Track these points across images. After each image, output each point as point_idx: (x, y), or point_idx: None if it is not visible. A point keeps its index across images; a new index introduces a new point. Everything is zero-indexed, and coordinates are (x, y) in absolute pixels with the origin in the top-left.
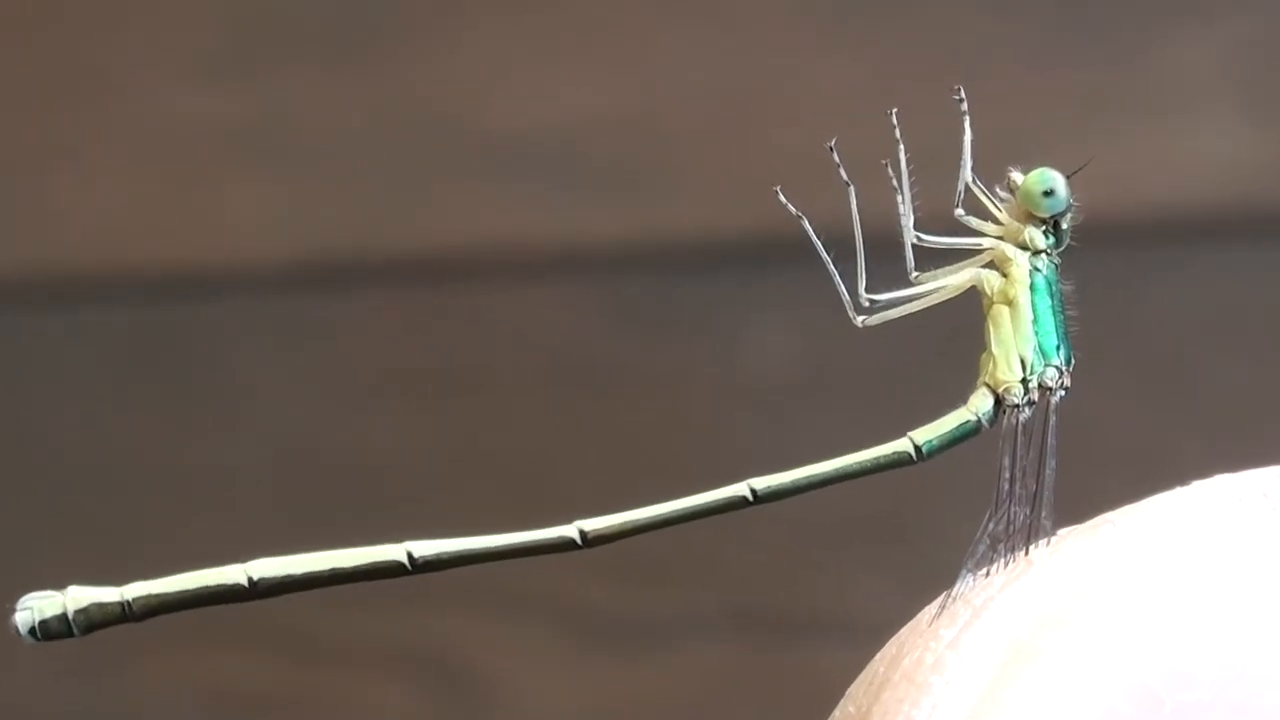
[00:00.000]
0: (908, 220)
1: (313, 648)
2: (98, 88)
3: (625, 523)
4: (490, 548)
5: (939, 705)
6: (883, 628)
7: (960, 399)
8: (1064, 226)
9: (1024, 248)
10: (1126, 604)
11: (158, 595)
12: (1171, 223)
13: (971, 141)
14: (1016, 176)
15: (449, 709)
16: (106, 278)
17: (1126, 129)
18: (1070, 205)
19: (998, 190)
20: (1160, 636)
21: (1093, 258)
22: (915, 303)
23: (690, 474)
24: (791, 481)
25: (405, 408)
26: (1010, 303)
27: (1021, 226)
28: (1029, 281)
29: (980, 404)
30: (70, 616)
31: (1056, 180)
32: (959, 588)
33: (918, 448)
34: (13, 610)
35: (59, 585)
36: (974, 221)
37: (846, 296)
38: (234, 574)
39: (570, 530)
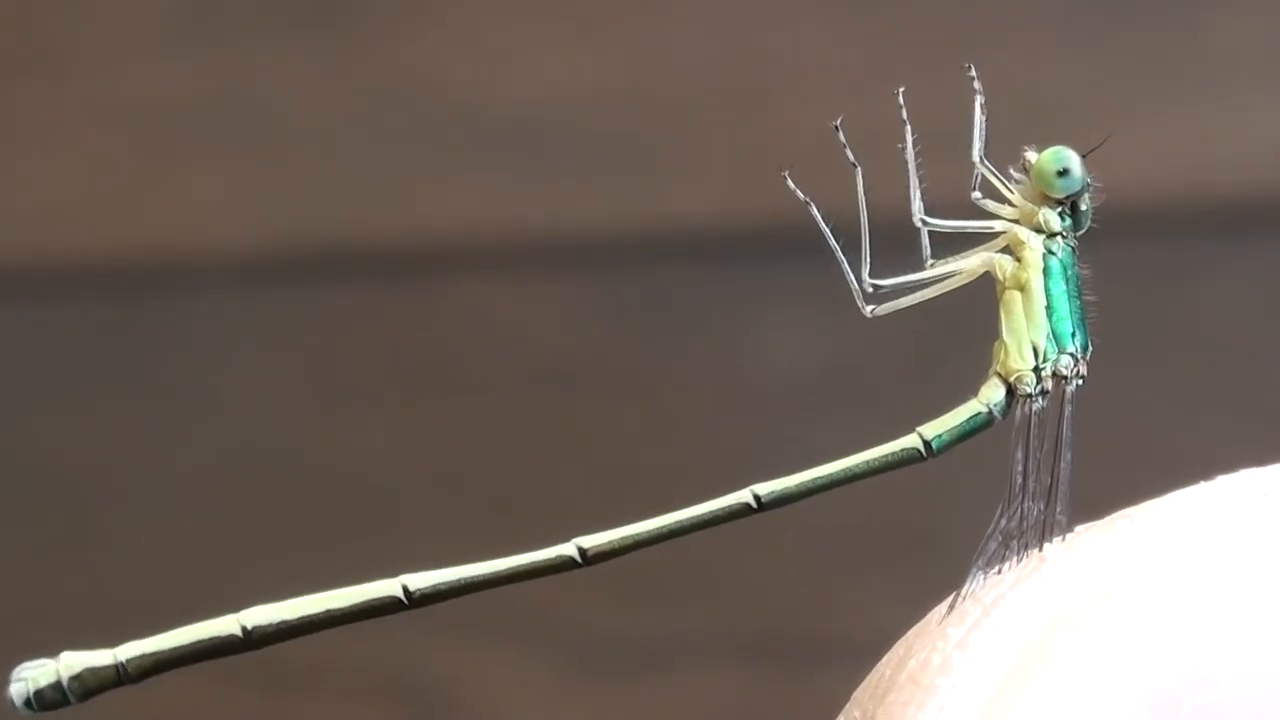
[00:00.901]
0: (916, 203)
1: (283, 673)
2: (47, 61)
3: (626, 537)
4: (488, 574)
5: (946, 708)
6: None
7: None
8: (1083, 208)
9: (1039, 230)
10: (1143, 602)
11: (152, 654)
12: (1212, 210)
13: (984, 121)
14: (1031, 156)
15: None
16: (57, 270)
17: (1165, 108)
18: (1087, 185)
19: (1012, 171)
20: (1177, 636)
21: (1126, 245)
22: (926, 290)
23: (691, 481)
24: (797, 485)
25: (383, 410)
26: (1023, 288)
27: (1036, 208)
28: (1043, 265)
29: (991, 395)
30: (65, 684)
31: (1071, 159)
32: (969, 586)
33: (927, 443)
34: (5, 680)
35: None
36: (990, 205)
37: (855, 285)
38: (228, 625)
39: (569, 549)
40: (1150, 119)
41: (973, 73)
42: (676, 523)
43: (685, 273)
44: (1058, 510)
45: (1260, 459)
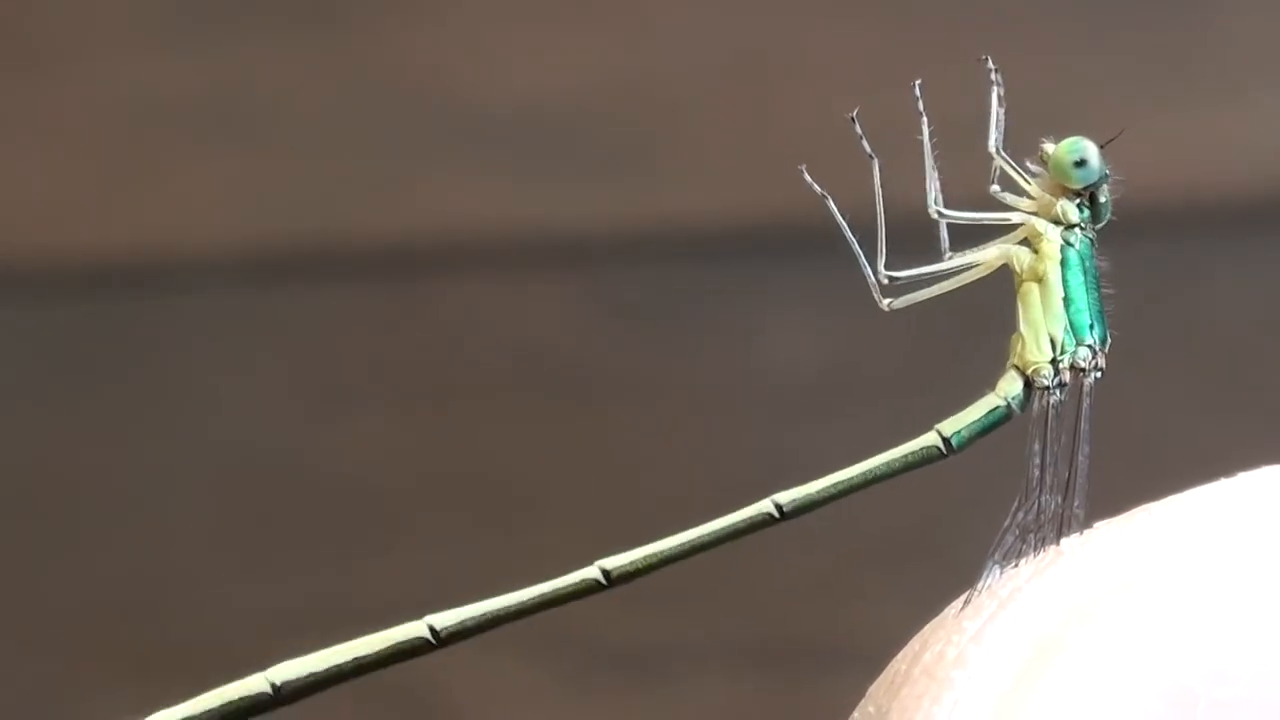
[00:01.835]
0: (932, 194)
1: None
2: (39, 58)
3: (650, 556)
4: (513, 606)
5: (961, 702)
6: None
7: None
8: (1101, 200)
9: (1057, 222)
10: (1161, 596)
11: None
12: (1223, 208)
13: (1001, 114)
14: (1048, 148)
15: None
16: (40, 270)
17: (1174, 108)
18: (1105, 176)
19: (1029, 164)
20: (1195, 631)
21: (1137, 244)
22: (942, 283)
23: (693, 481)
24: (819, 492)
25: (381, 411)
26: (1040, 280)
27: (1054, 200)
28: (1060, 257)
29: (1009, 388)
30: None
31: (1089, 150)
32: (985, 580)
33: (946, 440)
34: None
35: None
36: (1009, 198)
37: (872, 279)
38: (257, 684)
39: (592, 571)
40: (1160, 118)
41: (990, 64)
42: (699, 538)
43: (686, 272)
44: (1075, 504)
45: (1276, 459)
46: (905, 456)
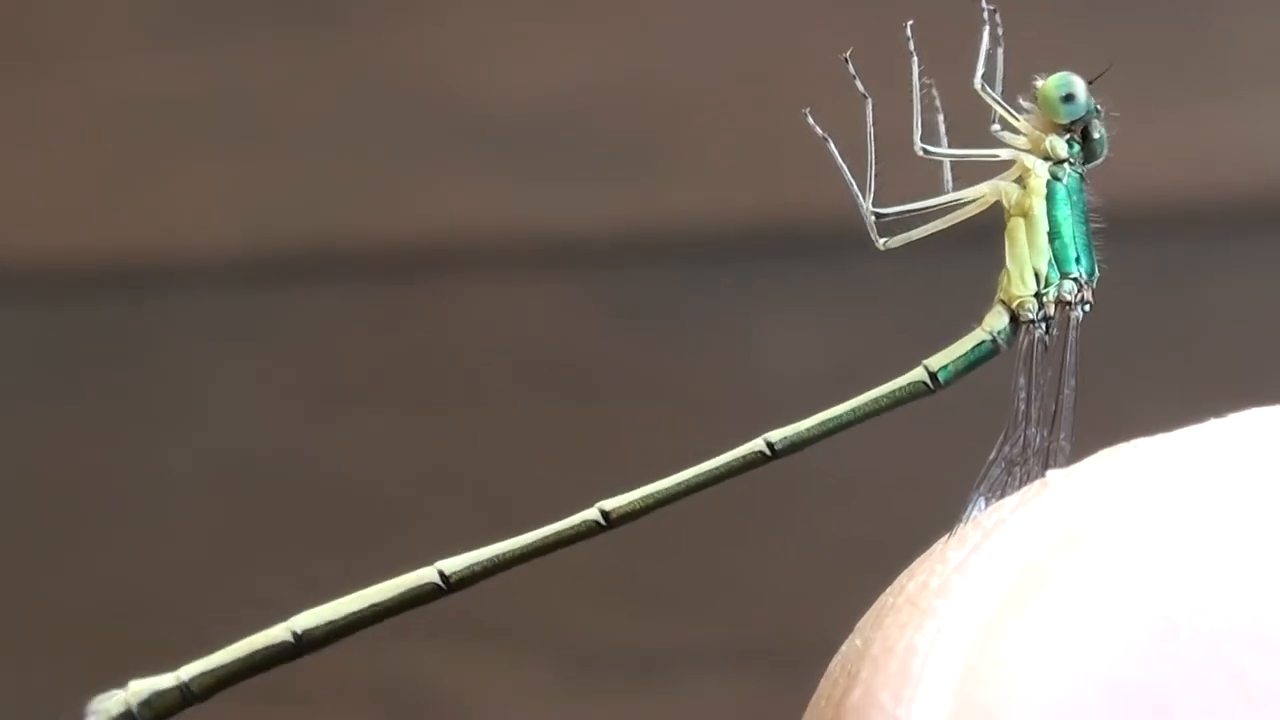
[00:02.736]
0: (917, 132)
1: (276, 682)
2: (35, 58)
3: (646, 496)
4: (518, 548)
5: (943, 629)
6: None
7: (998, 398)
8: (1095, 135)
9: (1047, 158)
10: (1146, 528)
11: (213, 671)
12: (1223, 210)
13: (998, 52)
14: (1039, 84)
15: None
16: (40, 270)
17: (1175, 108)
18: (1093, 110)
19: (1021, 101)
20: (1179, 562)
21: (1136, 245)
22: (935, 221)
23: None
24: (808, 430)
25: (373, 416)
26: (1026, 214)
27: (1044, 136)
28: (1045, 191)
29: (995, 322)
30: (135, 712)
31: (1076, 84)
32: (969, 511)
33: (933, 375)
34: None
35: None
36: (1005, 136)
37: (870, 219)
38: (279, 634)
39: (592, 513)
40: (1160, 118)
41: (985, 4)
42: (694, 477)
43: (687, 273)
44: (1061, 437)
45: None
46: (894, 392)
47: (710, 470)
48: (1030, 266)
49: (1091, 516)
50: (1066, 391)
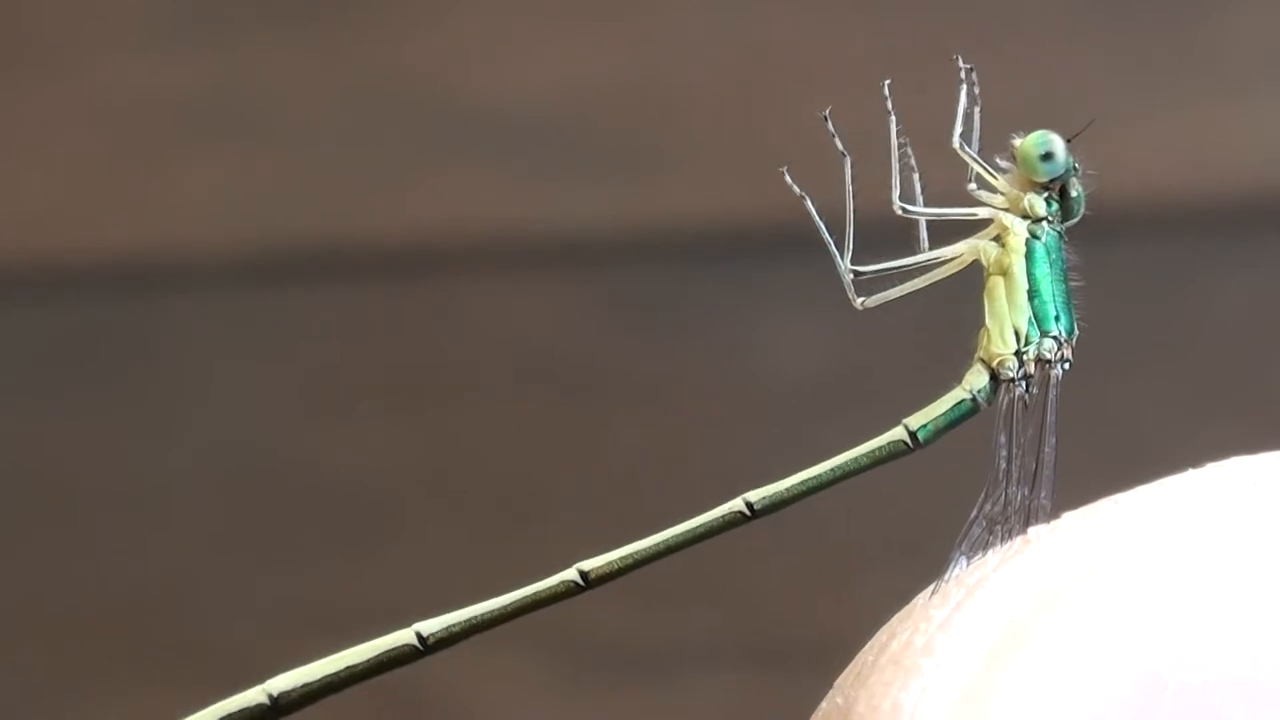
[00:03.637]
0: (896, 191)
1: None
2: (34, 58)
3: (625, 557)
4: (496, 610)
5: (929, 689)
6: None
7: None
8: (1073, 194)
9: (1025, 216)
10: (1128, 582)
11: None
12: (1221, 209)
13: (971, 112)
14: (1016, 142)
15: None
16: (40, 270)
17: (1173, 106)
18: (1072, 169)
19: (999, 159)
20: (1163, 616)
21: (1144, 244)
22: (914, 281)
23: (693, 482)
24: (788, 490)
25: (379, 413)
26: (1005, 273)
27: (1022, 194)
28: (1024, 250)
29: (975, 381)
30: None
31: (1055, 143)
32: (952, 570)
33: (913, 434)
34: None
35: None
36: (983, 195)
37: (847, 277)
38: (255, 696)
39: (570, 574)
40: (1160, 118)
41: (961, 64)
42: (672, 538)
43: (687, 272)
44: (1042, 495)
45: None
46: (873, 451)
47: (689, 531)
48: (1010, 325)
49: (1075, 573)
50: (1047, 450)
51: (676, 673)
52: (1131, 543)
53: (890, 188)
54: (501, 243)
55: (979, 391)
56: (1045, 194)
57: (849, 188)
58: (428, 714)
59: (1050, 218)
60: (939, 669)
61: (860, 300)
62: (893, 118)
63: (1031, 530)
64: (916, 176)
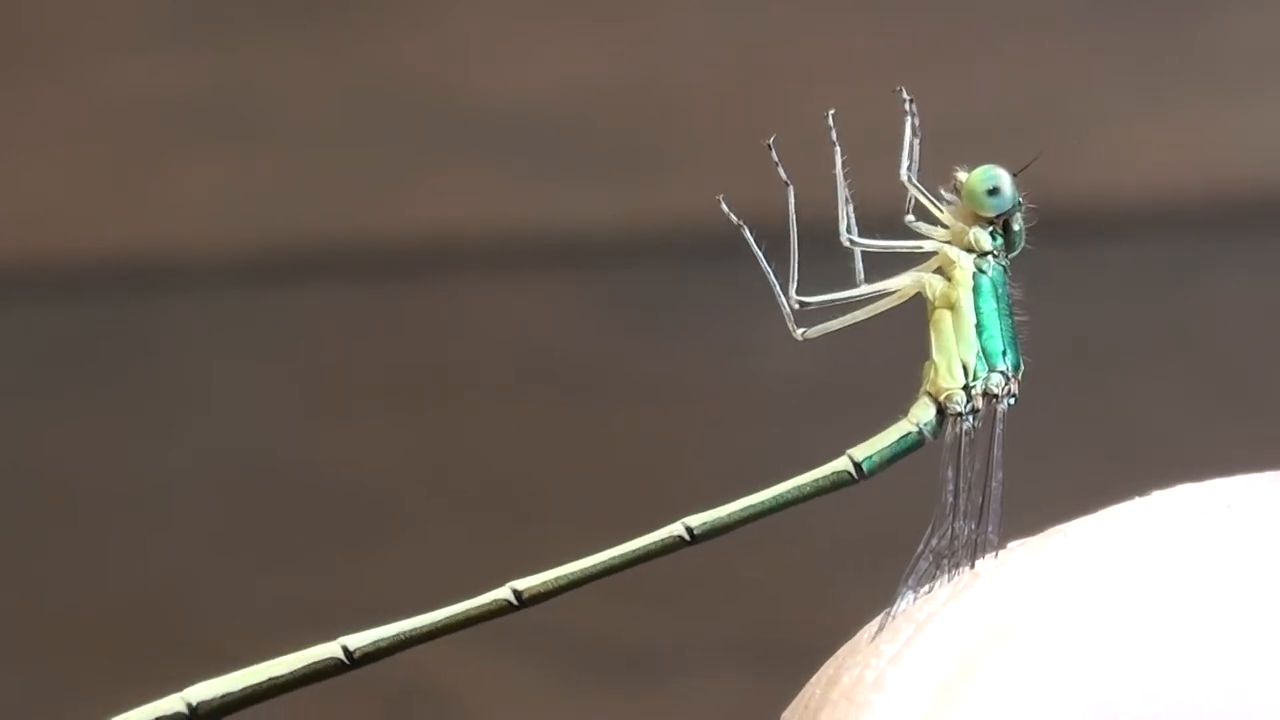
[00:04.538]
0: (844, 223)
1: None
2: (34, 58)
3: (560, 578)
4: (425, 627)
5: None
6: None
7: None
8: (1015, 228)
9: (970, 250)
10: (1078, 614)
11: None
12: (1224, 208)
13: (915, 144)
14: (961, 176)
15: None
16: (40, 270)
17: (1175, 106)
18: (1018, 204)
19: (943, 192)
20: (1111, 648)
21: (1144, 244)
22: (856, 312)
23: (692, 482)
24: (729, 515)
25: (374, 415)
26: (953, 306)
27: (967, 228)
28: (972, 284)
29: (921, 414)
30: None
31: (1001, 178)
32: (898, 605)
33: (857, 465)
34: None
35: None
36: (923, 227)
37: (786, 308)
38: (172, 704)
39: (504, 592)
40: (1160, 118)
41: (905, 95)
42: (611, 560)
43: (686, 272)
44: (989, 529)
45: (1277, 460)
46: (816, 481)
47: (628, 553)
48: (958, 359)
49: (1024, 605)
50: (994, 485)
51: (672, 673)
52: (1079, 574)
53: (839, 218)
54: (501, 243)
55: (925, 425)
56: (990, 228)
57: (793, 217)
58: (423, 714)
59: (995, 251)
60: (890, 704)
61: (800, 331)
62: (837, 148)
63: (979, 564)
64: (851, 208)
